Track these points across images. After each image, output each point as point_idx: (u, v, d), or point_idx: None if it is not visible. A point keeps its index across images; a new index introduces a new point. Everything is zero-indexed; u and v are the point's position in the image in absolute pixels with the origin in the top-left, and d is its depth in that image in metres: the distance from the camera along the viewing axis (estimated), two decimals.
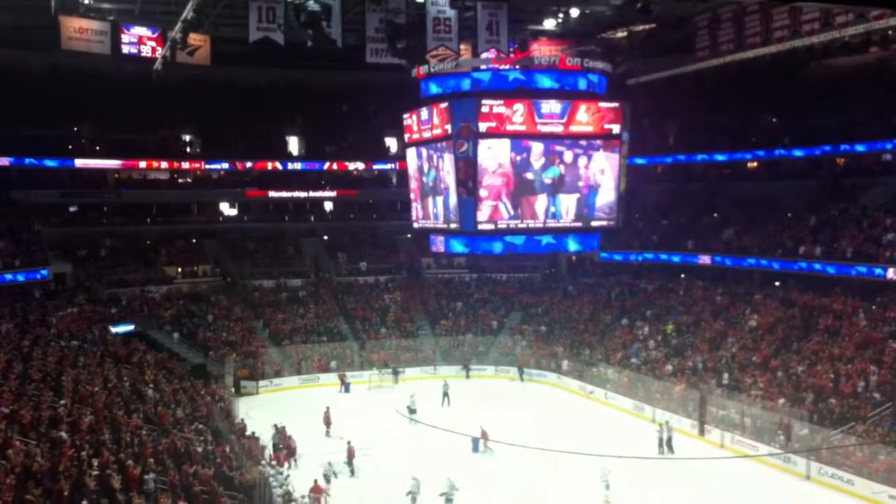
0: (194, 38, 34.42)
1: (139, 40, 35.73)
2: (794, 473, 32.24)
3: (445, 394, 43.72)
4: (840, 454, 31.47)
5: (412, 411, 40.66)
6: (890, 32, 33.44)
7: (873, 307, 39.78)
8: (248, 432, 33.88)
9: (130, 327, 47.10)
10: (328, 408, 38.52)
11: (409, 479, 29.25)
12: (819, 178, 49.86)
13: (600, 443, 34.28)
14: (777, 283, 46.51)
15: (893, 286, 39.34)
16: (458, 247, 28.90)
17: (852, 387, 34.94)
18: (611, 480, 29.45)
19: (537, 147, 26.93)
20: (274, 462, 30.95)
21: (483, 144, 26.44)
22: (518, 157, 26.80)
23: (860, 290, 41.07)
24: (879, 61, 47.49)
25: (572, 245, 28.86)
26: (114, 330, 44.95)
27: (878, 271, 39.26)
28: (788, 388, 36.81)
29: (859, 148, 45.80)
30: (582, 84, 27.93)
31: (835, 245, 43.13)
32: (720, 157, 54.43)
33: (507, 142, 26.66)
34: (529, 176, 27.00)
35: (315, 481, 29.46)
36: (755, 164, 54.40)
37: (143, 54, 35.79)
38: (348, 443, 33.26)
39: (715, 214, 54.18)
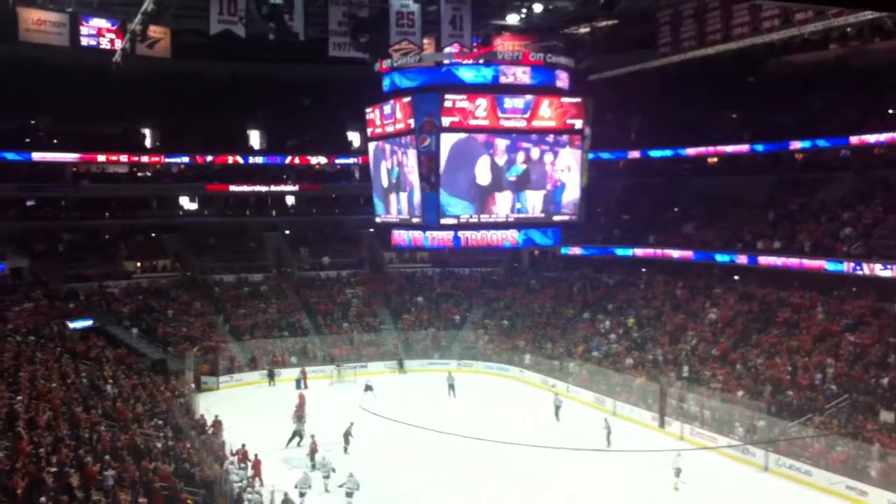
0: (154, 31, 34.10)
1: (98, 32, 35.36)
2: (752, 465, 32.62)
3: (451, 386, 44.30)
4: (798, 445, 31.90)
5: (368, 388, 42.21)
6: (849, 30, 33.78)
7: (831, 301, 40.33)
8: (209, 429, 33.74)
9: (89, 323, 46.49)
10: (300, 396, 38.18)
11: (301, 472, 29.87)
12: (778, 174, 50.41)
13: (561, 435, 34.51)
14: (736, 277, 46.97)
15: (851, 280, 39.88)
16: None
17: (810, 379, 35.41)
18: (682, 466, 29.94)
19: (501, 144, 26.96)
20: (235, 459, 30.75)
21: (446, 140, 26.43)
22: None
23: (818, 284, 41.60)
24: (838, 58, 48.07)
25: (535, 240, 28.95)
26: (72, 325, 44.42)
27: (836, 266, 39.68)
28: (747, 380, 37.25)
29: (821, 143, 46.20)
30: (545, 79, 27.99)
31: (793, 239, 43.61)
32: (681, 153, 54.71)
33: (472, 137, 26.66)
34: (494, 173, 27.04)
35: (255, 455, 30.52)
36: (716, 159, 54.84)
37: (102, 46, 35.44)
38: (312, 437, 33.19)
39: (676, 209, 54.62)
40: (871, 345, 35.89)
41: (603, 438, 34.48)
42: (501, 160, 27.11)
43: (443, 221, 27.40)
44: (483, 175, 26.51)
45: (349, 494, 28.12)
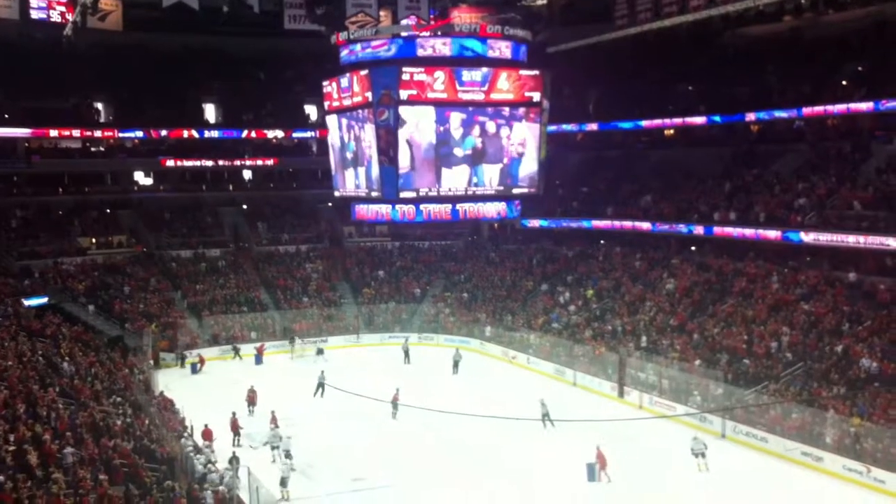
0: (105, 3, 33.60)
1: (48, 5, 34.75)
2: (709, 432, 32.96)
3: (406, 352, 45.90)
4: (754, 413, 32.39)
5: (319, 351, 43.61)
6: (803, 1, 34.11)
7: (785, 270, 40.84)
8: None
9: (44, 300, 45.87)
10: (252, 387, 37.15)
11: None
12: (734, 146, 50.81)
13: (520, 406, 34.65)
14: (693, 248, 47.42)
15: (805, 250, 40.41)
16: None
17: (765, 348, 35.91)
18: (705, 449, 28.99)
19: (456, 118, 26.99)
20: (189, 433, 30.69)
21: (406, 114, 26.41)
22: (441, 128, 26.84)
23: (773, 254, 42.11)
24: (792, 30, 48.48)
25: (493, 213, 29.27)
26: (27, 303, 43.77)
27: (794, 235, 40.10)
28: (704, 349, 37.70)
29: (778, 113, 46.41)
30: (502, 52, 27.99)
31: (749, 210, 44.02)
32: (639, 125, 54.76)
33: (430, 111, 26.64)
34: (449, 147, 27.10)
35: (206, 425, 30.80)
36: (672, 131, 55.12)
37: (52, 20, 34.79)
38: (272, 412, 33.08)
39: (633, 181, 54.87)
40: (825, 313, 36.42)
41: (540, 420, 33.72)
42: (457, 133, 27.19)
43: (402, 195, 27.49)
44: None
45: (283, 483, 27.29)
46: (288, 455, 29.55)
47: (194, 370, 44.23)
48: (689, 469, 28.65)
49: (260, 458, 29.80)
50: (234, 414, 32.95)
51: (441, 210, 28.27)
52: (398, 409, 35.10)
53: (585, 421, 31.90)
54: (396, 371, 43.67)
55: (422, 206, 28.12)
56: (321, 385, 38.60)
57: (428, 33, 28.37)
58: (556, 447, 31.14)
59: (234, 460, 27.57)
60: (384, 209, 28.96)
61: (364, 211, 30.00)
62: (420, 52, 27.15)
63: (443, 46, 27.23)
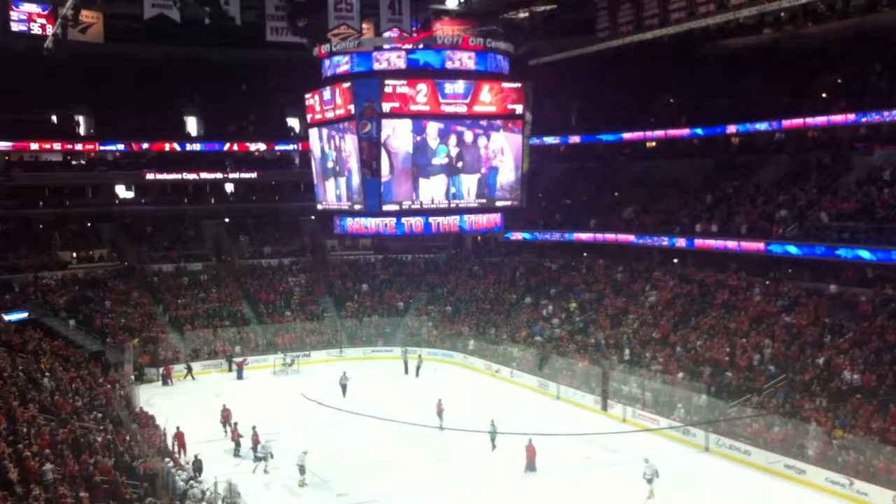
0: (86, 15, 33.32)
1: (29, 17, 34.48)
2: (693, 445, 33.08)
3: (406, 363, 46.86)
4: (737, 425, 32.43)
5: (293, 359, 43.03)
6: (782, 14, 34.28)
7: (767, 282, 40.95)
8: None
9: (24, 315, 45.54)
10: (224, 405, 36.12)
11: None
12: (715, 157, 51.00)
13: (505, 420, 34.59)
14: (676, 260, 47.51)
15: (787, 262, 40.53)
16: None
17: (748, 360, 35.98)
18: (656, 478, 27.95)
19: (433, 127, 27.04)
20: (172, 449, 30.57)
21: (386, 125, 26.43)
22: (418, 138, 26.87)
23: (755, 266, 42.23)
24: (772, 42, 48.78)
25: (491, 224, 29.54)
26: (7, 318, 43.41)
27: (781, 248, 40.20)
28: (687, 362, 37.74)
29: (760, 126, 46.56)
30: (485, 64, 28.04)
31: (730, 222, 44.16)
32: (622, 137, 54.81)
33: (408, 123, 26.68)
34: (426, 157, 27.14)
35: (178, 427, 31.54)
36: (654, 143, 55.25)
37: (33, 32, 34.56)
38: (253, 428, 32.82)
39: (615, 193, 55.03)
40: (806, 325, 36.53)
41: (488, 442, 33.02)
42: (434, 143, 27.23)
43: (385, 208, 27.44)
44: None
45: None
46: (302, 470, 29.53)
47: (165, 382, 44.62)
48: (673, 482, 28.58)
49: (242, 471, 29.69)
50: (235, 424, 33.73)
51: (450, 222, 28.37)
52: (444, 419, 35.17)
53: (571, 435, 31.90)
54: (390, 382, 43.97)
55: (430, 219, 28.15)
56: (344, 386, 40.48)
57: (410, 45, 28.39)
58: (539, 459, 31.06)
59: (196, 462, 27.72)
60: (389, 221, 28.54)
61: (357, 224, 29.62)
62: (376, 66, 27.28)
63: (398, 59, 27.34)
